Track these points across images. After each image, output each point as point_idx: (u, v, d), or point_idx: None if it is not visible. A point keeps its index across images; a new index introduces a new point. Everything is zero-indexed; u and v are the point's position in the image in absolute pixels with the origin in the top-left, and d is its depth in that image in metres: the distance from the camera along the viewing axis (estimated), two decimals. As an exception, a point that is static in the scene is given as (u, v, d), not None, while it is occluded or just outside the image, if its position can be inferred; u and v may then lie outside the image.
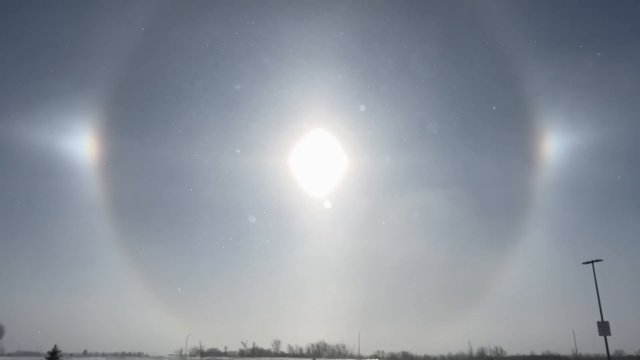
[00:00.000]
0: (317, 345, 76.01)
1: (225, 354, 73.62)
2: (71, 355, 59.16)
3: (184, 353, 64.41)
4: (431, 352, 73.07)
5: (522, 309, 57.58)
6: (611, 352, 26.28)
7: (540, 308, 56.37)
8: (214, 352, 73.12)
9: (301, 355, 74.15)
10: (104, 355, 67.37)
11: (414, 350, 73.67)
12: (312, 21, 47.85)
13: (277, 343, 76.23)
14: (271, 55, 49.48)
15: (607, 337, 25.21)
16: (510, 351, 68.35)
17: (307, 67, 49.38)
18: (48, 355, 35.30)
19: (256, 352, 73.88)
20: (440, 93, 58.74)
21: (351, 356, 70.65)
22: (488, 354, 68.01)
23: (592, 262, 27.24)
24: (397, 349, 73.92)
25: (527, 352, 66.83)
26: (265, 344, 76.87)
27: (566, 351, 61.48)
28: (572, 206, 62.00)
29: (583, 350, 56.01)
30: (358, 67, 54.70)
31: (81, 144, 41.81)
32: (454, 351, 70.56)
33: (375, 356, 70.20)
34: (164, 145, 52.19)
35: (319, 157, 50.55)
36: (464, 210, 60.03)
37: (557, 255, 54.29)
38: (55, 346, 35.86)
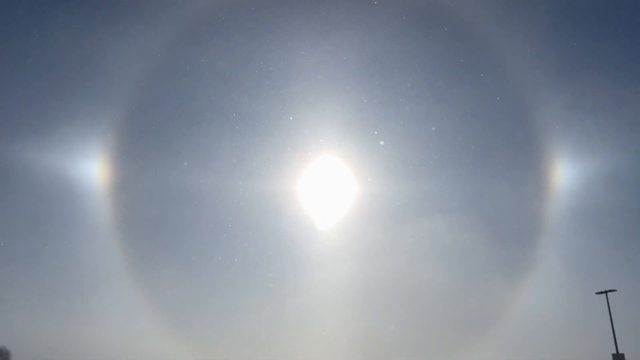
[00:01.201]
0: (327, 375, 74.51)
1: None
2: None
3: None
4: (443, 383, 71.21)
5: (535, 339, 56.20)
6: (628, 386, 25.41)
7: (553, 338, 54.98)
8: (221, 380, 71.83)
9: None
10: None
11: (425, 381, 71.84)
12: (327, 45, 48.24)
13: (285, 372, 74.97)
14: (285, 79, 49.75)
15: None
16: (524, 383, 66.32)
17: (321, 91, 49.64)
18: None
19: (265, 380, 72.52)
20: (454, 118, 58.38)
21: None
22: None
23: (606, 292, 26.59)
24: (408, 379, 72.11)
25: (542, 384, 64.66)
26: (273, 373, 75.56)
27: (581, 383, 59.48)
28: (587, 234, 60.86)
29: (599, 383, 54.12)
30: (370, 92, 54.85)
31: (93, 167, 42.12)
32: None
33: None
34: (175, 169, 52.47)
35: (329, 183, 50.30)
36: (477, 237, 59.07)
37: (571, 283, 53.06)
38: (62, 372, 35.57)
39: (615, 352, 24.75)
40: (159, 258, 59.29)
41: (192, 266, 61.53)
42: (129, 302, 51.74)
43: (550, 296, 50.16)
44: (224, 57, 54.38)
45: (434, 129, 59.05)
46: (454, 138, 64.45)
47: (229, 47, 54.12)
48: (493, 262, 61.81)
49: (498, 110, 62.95)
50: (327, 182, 55.96)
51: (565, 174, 51.12)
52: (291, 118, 53.53)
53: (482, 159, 66.62)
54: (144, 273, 52.59)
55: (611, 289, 26.62)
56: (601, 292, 26.80)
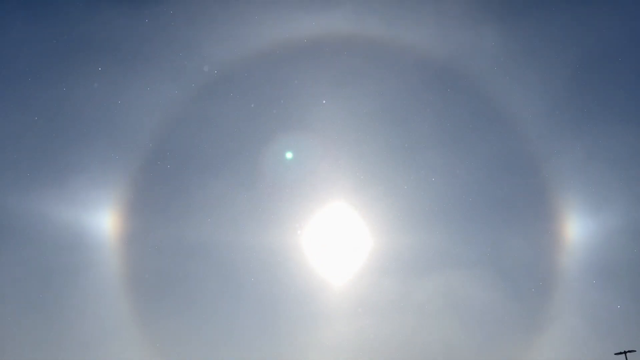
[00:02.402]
0: None
1: None
2: None
3: None
4: None
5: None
6: None
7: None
8: None
9: None
10: None
11: None
12: (341, 95, 49.52)
13: None
14: (299, 130, 50.88)
15: None
16: None
17: (335, 142, 50.49)
18: None
19: None
20: (470, 169, 58.43)
21: None
22: None
23: (625, 352, 25.70)
24: None
25: None
26: None
27: None
28: (606, 290, 58.95)
29: None
30: (384, 142, 55.58)
31: (105, 218, 42.88)
32: None
33: None
34: (186, 221, 53.02)
35: (342, 235, 50.19)
36: (492, 292, 57.70)
37: (589, 342, 51.10)
38: None
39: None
40: (168, 311, 58.80)
41: (201, 320, 60.76)
42: (137, 355, 51.04)
43: (567, 355, 48.21)
44: (238, 108, 55.74)
45: (448, 180, 58.97)
46: (470, 189, 64.00)
47: (243, 98, 55.53)
48: (509, 317, 59.71)
49: (514, 161, 62.66)
50: (340, 234, 55.64)
51: (583, 227, 50.15)
52: (305, 169, 54.06)
53: (498, 211, 65.74)
54: (152, 325, 52.12)
55: (631, 349, 25.89)
56: (620, 353, 26.02)
